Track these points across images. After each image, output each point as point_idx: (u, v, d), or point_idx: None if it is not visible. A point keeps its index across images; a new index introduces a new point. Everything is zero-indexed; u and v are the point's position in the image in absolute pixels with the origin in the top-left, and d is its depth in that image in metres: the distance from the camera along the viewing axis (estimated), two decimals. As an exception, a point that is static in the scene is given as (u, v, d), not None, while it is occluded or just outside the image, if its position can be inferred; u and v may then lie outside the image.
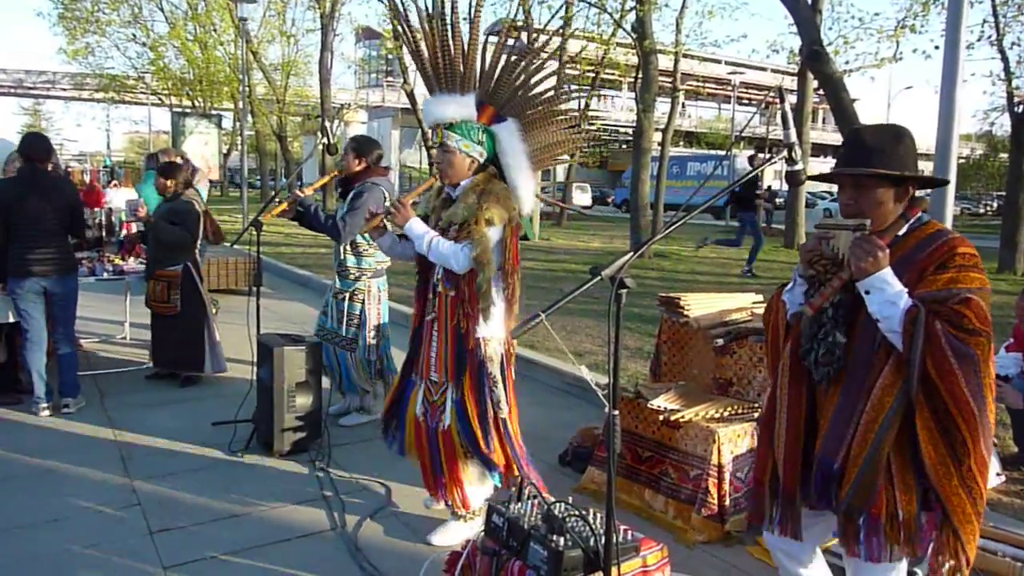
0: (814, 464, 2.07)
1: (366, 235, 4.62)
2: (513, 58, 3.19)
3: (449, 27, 3.14)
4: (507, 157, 3.19)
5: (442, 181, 3.26)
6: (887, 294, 1.90)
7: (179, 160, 6.86)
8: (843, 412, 2.01)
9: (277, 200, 4.54)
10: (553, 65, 3.24)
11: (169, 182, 5.65)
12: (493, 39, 3.22)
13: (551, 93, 3.25)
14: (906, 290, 1.91)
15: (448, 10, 3.12)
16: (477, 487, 3.33)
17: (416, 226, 3.17)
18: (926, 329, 1.85)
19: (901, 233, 2.04)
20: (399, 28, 3.34)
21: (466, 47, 3.16)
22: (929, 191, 5.00)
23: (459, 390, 3.20)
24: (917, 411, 1.91)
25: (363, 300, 4.80)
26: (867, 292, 1.93)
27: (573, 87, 3.88)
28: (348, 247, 4.72)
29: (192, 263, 5.58)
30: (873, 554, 1.98)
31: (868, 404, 1.95)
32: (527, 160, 3.21)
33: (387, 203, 4.63)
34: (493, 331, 3.19)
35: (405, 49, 3.35)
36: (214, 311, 6.19)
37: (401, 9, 3.24)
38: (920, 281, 1.94)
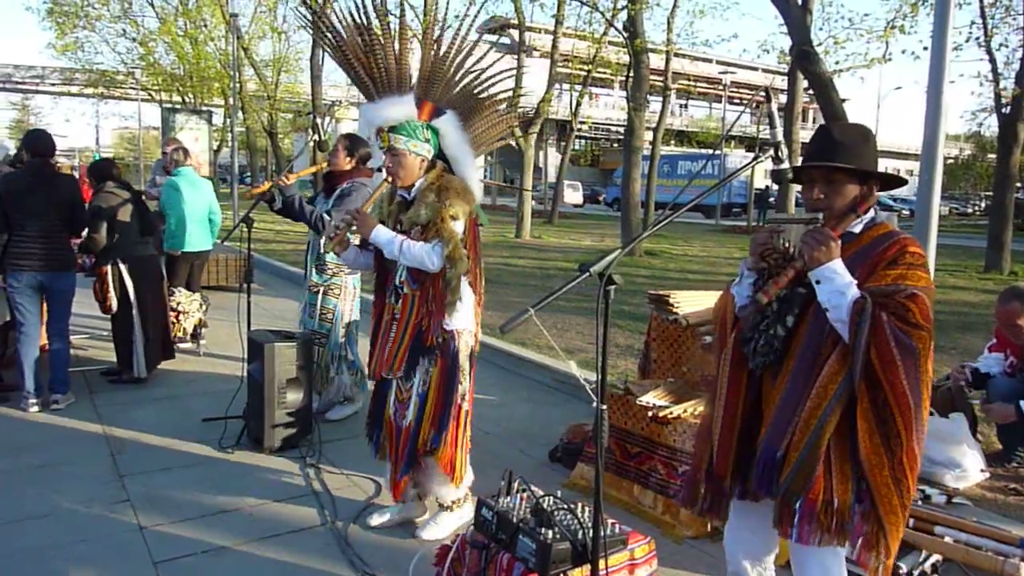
0: (758, 452, 2.12)
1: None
2: (440, 50, 3.16)
3: (379, 30, 3.12)
4: (452, 149, 3.23)
5: (394, 184, 3.25)
6: (836, 284, 1.97)
7: (173, 149, 6.82)
8: (789, 401, 2.07)
9: (262, 194, 4.54)
10: (481, 51, 3.23)
11: (92, 180, 5.53)
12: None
13: (479, 78, 3.24)
14: (855, 282, 1.98)
15: (370, 13, 3.09)
16: (449, 479, 3.29)
17: (382, 233, 3.14)
18: (872, 319, 1.92)
19: (857, 231, 2.11)
20: (324, 41, 3.29)
21: (397, 47, 3.14)
22: (913, 191, 5.04)
23: (427, 383, 3.21)
24: (859, 401, 1.97)
25: (339, 295, 4.82)
26: (818, 282, 2.00)
27: (498, 63, 3.82)
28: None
29: (127, 259, 5.38)
30: (804, 536, 2.02)
31: (813, 392, 2.01)
32: (470, 148, 3.26)
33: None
34: (465, 323, 3.22)
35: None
36: (181, 310, 6.16)
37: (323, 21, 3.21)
38: (871, 276, 2.01)
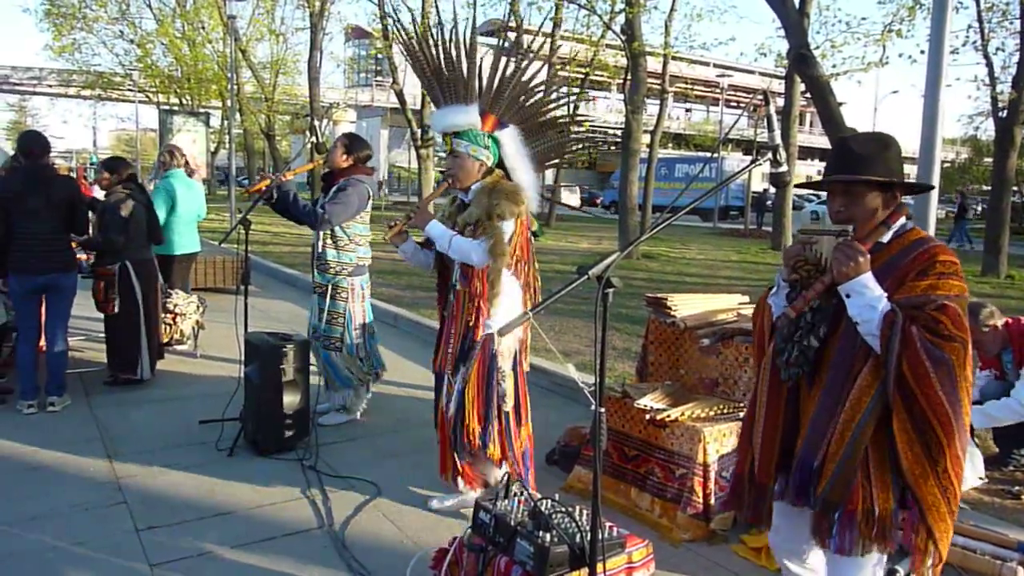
0: (795, 462, 2.14)
1: (347, 230, 4.66)
2: (509, 71, 3.39)
3: (452, 42, 3.37)
4: (511, 160, 3.44)
5: (454, 186, 3.44)
6: (866, 298, 1.97)
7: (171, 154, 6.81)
8: (824, 412, 2.08)
9: (261, 192, 4.52)
10: (543, 74, 3.49)
11: (108, 175, 5.48)
12: (489, 40, 3.38)
13: (544, 101, 3.54)
14: (885, 295, 1.97)
15: (449, 25, 3.35)
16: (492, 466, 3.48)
17: (436, 227, 3.38)
18: (903, 333, 1.91)
19: (885, 240, 2.09)
20: (406, 48, 3.58)
21: (466, 60, 3.36)
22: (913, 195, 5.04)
23: (465, 380, 3.34)
24: (894, 413, 1.97)
25: (347, 298, 4.78)
26: (848, 296, 2.00)
27: (563, 90, 4.15)
28: (328, 240, 4.71)
29: (136, 261, 5.37)
30: (843, 547, 2.04)
31: (847, 404, 2.01)
32: (529, 162, 3.47)
33: (370, 201, 4.68)
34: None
35: (396, 48, 3.55)
36: (174, 313, 6.15)
37: (402, 30, 3.49)
38: (900, 287, 1.99)
